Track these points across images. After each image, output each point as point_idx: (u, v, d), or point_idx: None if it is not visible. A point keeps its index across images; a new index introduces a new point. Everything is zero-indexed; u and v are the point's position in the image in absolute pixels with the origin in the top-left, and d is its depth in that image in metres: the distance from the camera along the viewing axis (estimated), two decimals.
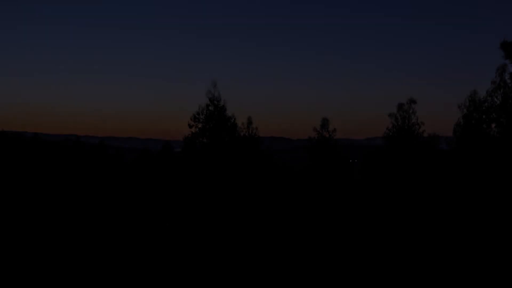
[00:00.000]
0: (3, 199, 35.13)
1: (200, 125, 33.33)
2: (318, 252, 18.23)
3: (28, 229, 23.89)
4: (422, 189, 30.34)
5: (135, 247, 19.61)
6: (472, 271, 15.45)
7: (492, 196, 24.71)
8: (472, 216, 24.62)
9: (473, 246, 19.42)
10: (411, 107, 35.13)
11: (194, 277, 14.83)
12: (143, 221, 29.17)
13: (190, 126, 33.49)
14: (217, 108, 33.48)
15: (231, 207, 30.38)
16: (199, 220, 28.20)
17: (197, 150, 33.66)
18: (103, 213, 32.91)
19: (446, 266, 15.92)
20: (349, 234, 22.28)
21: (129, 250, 18.99)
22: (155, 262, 16.83)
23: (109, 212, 33.40)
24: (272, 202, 32.95)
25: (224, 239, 21.48)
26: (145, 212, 33.47)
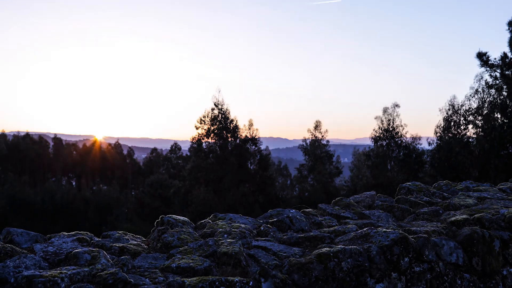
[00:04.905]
0: None
1: (205, 127, 33.30)
2: None
3: None
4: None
5: None
6: None
7: None
8: None
9: None
10: (395, 111, 35.10)
11: None
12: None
13: (197, 128, 33.47)
14: (221, 112, 33.44)
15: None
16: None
17: (203, 149, 33.62)
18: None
19: None
20: None
21: None
22: None
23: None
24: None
25: None
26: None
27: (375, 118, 35.33)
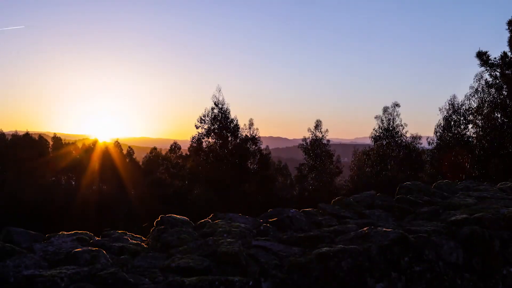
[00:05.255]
0: None
1: (206, 126, 33.29)
2: None
3: None
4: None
5: None
6: None
7: None
8: None
9: None
10: (395, 110, 35.10)
11: None
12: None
13: (197, 127, 33.46)
14: (221, 111, 33.43)
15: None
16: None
17: (203, 148, 33.63)
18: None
19: None
20: None
21: None
22: None
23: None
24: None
25: None
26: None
27: (375, 118, 35.34)
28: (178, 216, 3.21)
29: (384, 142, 34.77)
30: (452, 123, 28.73)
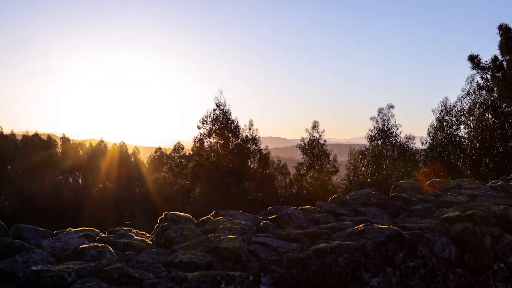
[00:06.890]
0: None
1: (207, 127, 33.31)
2: None
3: None
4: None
5: None
6: None
7: None
8: None
9: None
10: (390, 111, 35.10)
11: None
12: None
13: (199, 128, 33.47)
14: (223, 112, 33.44)
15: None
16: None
17: (205, 148, 33.63)
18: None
19: None
20: None
21: None
22: None
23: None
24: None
25: None
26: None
27: (370, 119, 35.32)
28: (181, 213, 3.21)
29: (379, 142, 34.75)
30: (445, 123, 28.71)
